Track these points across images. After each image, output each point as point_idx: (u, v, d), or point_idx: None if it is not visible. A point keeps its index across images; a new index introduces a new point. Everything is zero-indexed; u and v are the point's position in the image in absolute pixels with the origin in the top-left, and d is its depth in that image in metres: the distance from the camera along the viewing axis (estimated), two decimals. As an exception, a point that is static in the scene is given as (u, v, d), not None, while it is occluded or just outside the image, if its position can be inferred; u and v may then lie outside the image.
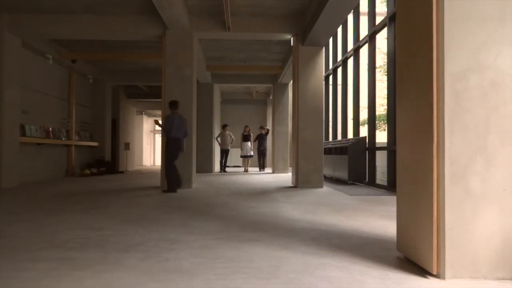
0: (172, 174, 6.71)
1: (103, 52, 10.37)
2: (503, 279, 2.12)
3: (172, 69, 7.60)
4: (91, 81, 12.30)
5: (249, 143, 13.78)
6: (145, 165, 20.88)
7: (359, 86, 9.04)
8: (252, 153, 13.96)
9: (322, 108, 7.96)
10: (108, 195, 6.28)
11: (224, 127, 13.39)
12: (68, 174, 11.00)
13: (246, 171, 13.81)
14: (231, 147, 13.64)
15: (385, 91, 7.54)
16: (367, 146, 8.27)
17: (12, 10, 7.41)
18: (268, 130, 14.34)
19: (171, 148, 6.75)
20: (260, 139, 14.00)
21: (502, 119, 2.17)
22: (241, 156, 14.13)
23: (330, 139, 11.73)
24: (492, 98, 2.18)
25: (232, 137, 13.41)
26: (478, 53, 2.19)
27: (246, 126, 14.21)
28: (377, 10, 8.16)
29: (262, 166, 14.33)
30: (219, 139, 13.40)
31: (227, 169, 13.89)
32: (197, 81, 10.71)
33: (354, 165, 8.31)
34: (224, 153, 13.42)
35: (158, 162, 21.54)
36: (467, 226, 2.15)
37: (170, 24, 7.29)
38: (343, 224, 3.77)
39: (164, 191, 6.78)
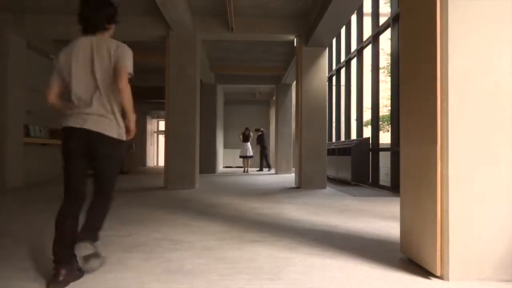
0: None
1: (107, 53, 10.39)
2: (507, 281, 2.11)
3: (176, 69, 7.61)
4: (95, 81, 12.32)
5: (248, 144, 14.00)
6: (149, 166, 20.92)
7: (363, 87, 9.01)
8: (251, 153, 14.09)
9: (325, 108, 7.94)
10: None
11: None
12: (72, 174, 11.02)
13: (246, 171, 13.92)
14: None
15: (389, 92, 7.52)
16: (370, 147, 8.25)
17: (17, 11, 7.44)
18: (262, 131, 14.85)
19: None
20: (261, 140, 14.38)
21: (506, 120, 2.15)
22: (240, 157, 14.28)
23: (334, 140, 11.70)
24: (496, 98, 2.16)
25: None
26: (482, 54, 2.18)
27: (247, 128, 14.43)
28: (381, 10, 8.14)
29: (266, 166, 14.68)
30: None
31: (226, 169, 14.19)
32: (201, 81, 10.73)
33: (358, 166, 8.29)
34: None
35: (162, 163, 21.59)
36: (471, 227, 2.13)
37: (173, 25, 7.31)
38: (346, 225, 3.76)
39: None
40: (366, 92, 8.75)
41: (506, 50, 2.17)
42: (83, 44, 2.31)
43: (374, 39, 7.99)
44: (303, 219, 4.11)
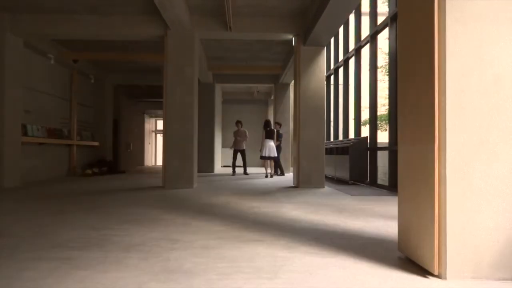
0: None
1: (105, 52, 10.38)
2: (505, 279, 2.12)
3: (174, 69, 7.60)
4: (92, 81, 12.31)
5: (272, 142, 10.58)
6: (147, 165, 20.89)
7: (361, 86, 9.03)
8: (275, 153, 10.74)
9: (323, 108, 7.95)
10: (110, 195, 6.29)
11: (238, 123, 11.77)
12: (69, 174, 11.02)
13: (270, 176, 10.81)
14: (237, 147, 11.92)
15: (387, 91, 7.53)
16: (368, 146, 8.27)
17: (14, 10, 7.42)
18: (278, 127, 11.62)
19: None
20: (279, 137, 11.45)
21: (504, 117, 2.16)
22: (262, 157, 10.67)
23: (332, 139, 11.71)
24: (493, 96, 2.17)
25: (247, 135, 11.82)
26: (479, 52, 2.18)
27: (268, 121, 11.16)
28: (379, 10, 8.15)
29: (276, 170, 11.64)
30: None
31: (224, 168, 13.71)
32: (199, 81, 10.72)
33: (356, 165, 8.31)
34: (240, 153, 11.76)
35: (160, 162, 21.56)
36: (469, 225, 2.14)
37: (171, 24, 7.30)
38: (345, 224, 3.77)
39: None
40: (364, 91, 8.77)
41: (504, 49, 2.18)
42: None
43: (372, 39, 7.99)
44: (301, 218, 4.11)
